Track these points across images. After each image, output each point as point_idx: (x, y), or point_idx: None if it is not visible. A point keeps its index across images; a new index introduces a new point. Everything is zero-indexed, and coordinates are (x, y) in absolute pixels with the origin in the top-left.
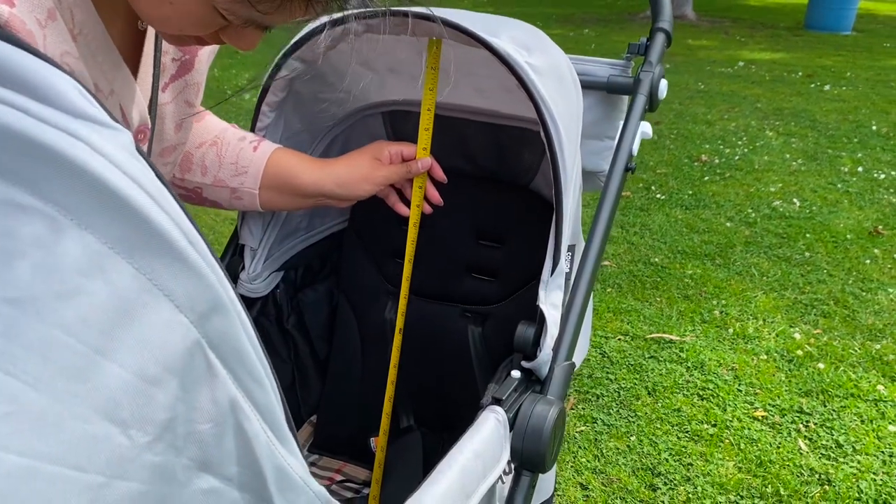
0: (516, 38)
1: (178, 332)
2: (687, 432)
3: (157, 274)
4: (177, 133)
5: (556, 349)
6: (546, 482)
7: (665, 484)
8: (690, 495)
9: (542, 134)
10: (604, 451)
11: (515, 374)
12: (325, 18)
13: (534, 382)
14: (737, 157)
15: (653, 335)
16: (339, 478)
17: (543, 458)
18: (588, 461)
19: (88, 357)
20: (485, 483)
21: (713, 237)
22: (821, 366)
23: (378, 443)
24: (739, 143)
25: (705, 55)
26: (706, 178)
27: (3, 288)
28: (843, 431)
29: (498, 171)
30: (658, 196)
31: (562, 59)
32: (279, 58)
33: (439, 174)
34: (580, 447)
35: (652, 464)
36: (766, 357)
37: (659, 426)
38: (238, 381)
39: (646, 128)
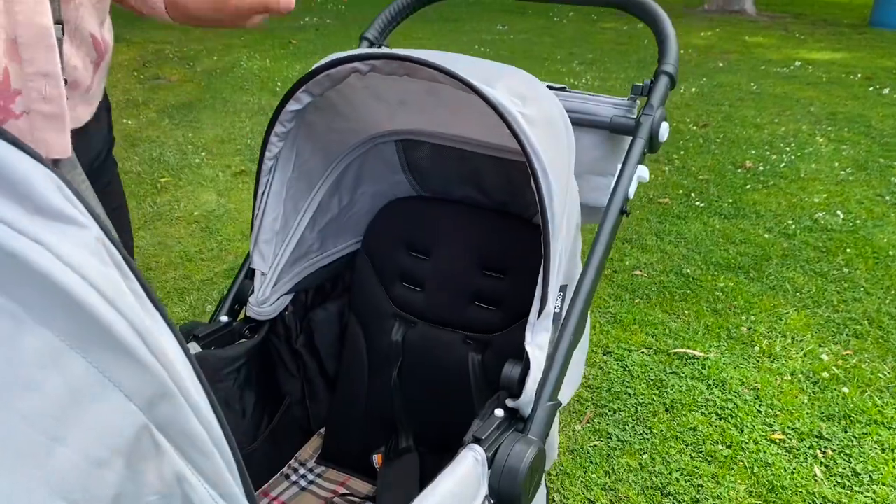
0: (511, 88)
1: (127, 419)
2: (701, 452)
3: (107, 366)
4: None
5: (539, 390)
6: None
7: None
8: None
9: (532, 183)
10: (615, 467)
11: (498, 412)
12: (331, 57)
13: (517, 420)
14: (783, 164)
15: (676, 350)
16: (342, 490)
17: (519, 498)
18: (598, 477)
19: (44, 443)
20: None
21: (749, 248)
22: (846, 389)
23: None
24: (787, 149)
25: (761, 54)
26: (748, 185)
27: None
28: (861, 459)
29: (509, 204)
30: (697, 203)
31: (555, 108)
32: (287, 92)
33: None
34: (592, 462)
35: (662, 483)
36: (790, 378)
37: (673, 444)
38: (185, 456)
39: (642, 172)
